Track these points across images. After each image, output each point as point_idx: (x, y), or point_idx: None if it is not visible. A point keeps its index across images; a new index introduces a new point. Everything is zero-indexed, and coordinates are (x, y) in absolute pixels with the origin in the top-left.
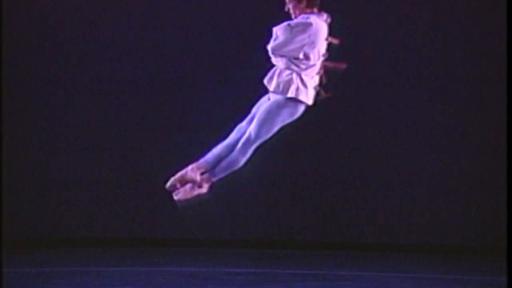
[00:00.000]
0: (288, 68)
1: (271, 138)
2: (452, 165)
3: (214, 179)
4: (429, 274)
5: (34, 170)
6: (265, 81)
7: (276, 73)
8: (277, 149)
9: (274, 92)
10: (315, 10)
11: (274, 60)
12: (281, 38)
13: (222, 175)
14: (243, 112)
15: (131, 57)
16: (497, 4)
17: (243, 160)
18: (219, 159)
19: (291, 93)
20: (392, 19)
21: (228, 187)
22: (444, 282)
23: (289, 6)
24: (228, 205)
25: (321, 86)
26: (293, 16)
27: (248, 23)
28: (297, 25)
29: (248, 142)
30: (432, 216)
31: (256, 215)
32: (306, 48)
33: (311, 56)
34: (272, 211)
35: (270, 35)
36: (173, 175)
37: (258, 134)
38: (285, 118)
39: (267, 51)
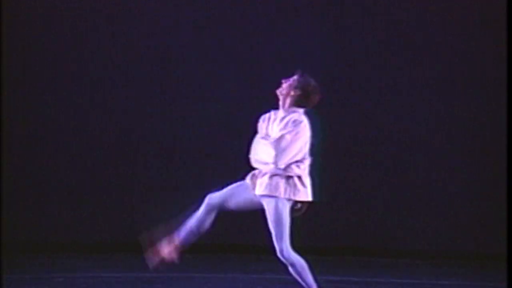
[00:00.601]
0: (288, 175)
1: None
2: (453, 172)
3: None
4: (429, 280)
5: (35, 173)
6: (259, 188)
7: (267, 178)
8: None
9: (265, 193)
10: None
11: (274, 170)
12: (283, 149)
13: (309, 280)
14: (245, 113)
15: (133, 58)
16: (497, 4)
17: (298, 260)
18: (191, 234)
19: (288, 195)
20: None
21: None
22: None
23: (283, 90)
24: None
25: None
26: (280, 98)
27: (248, 23)
28: (294, 132)
29: (282, 249)
30: (432, 222)
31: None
32: (304, 149)
33: (306, 154)
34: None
35: (271, 36)
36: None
37: (281, 237)
38: (288, 215)
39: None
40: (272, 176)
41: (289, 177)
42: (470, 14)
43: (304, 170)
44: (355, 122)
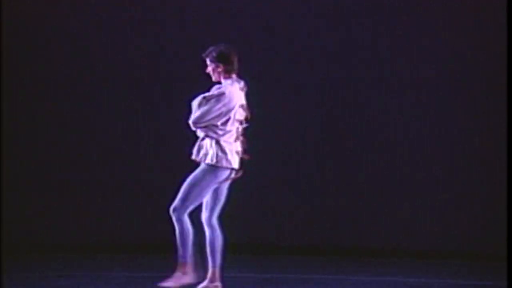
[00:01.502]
0: (207, 135)
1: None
2: (453, 171)
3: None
4: (428, 279)
5: (37, 174)
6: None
7: (198, 142)
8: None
9: (198, 160)
10: (233, 76)
11: (196, 131)
12: (199, 111)
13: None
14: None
15: (135, 59)
16: (497, 4)
17: (187, 227)
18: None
19: (210, 160)
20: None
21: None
22: (443, 287)
23: (209, 69)
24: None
25: (244, 151)
26: (212, 77)
27: (247, 22)
28: (211, 96)
29: (176, 208)
30: (432, 222)
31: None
32: (223, 116)
33: (228, 122)
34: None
35: (269, 36)
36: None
37: (185, 198)
38: (210, 182)
39: (268, 51)
40: (201, 141)
41: (214, 143)
42: (470, 14)
43: (223, 135)
44: (354, 122)
